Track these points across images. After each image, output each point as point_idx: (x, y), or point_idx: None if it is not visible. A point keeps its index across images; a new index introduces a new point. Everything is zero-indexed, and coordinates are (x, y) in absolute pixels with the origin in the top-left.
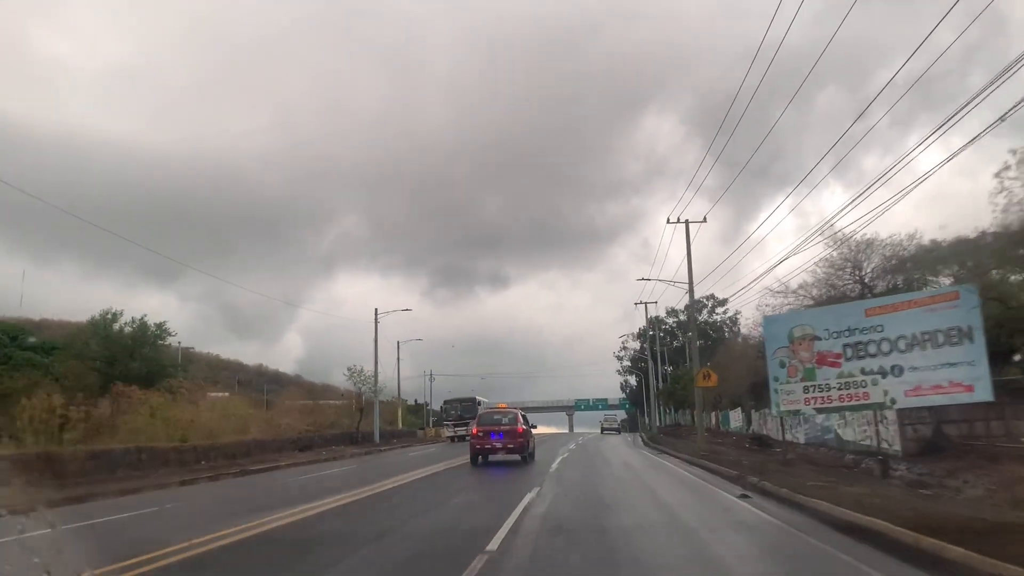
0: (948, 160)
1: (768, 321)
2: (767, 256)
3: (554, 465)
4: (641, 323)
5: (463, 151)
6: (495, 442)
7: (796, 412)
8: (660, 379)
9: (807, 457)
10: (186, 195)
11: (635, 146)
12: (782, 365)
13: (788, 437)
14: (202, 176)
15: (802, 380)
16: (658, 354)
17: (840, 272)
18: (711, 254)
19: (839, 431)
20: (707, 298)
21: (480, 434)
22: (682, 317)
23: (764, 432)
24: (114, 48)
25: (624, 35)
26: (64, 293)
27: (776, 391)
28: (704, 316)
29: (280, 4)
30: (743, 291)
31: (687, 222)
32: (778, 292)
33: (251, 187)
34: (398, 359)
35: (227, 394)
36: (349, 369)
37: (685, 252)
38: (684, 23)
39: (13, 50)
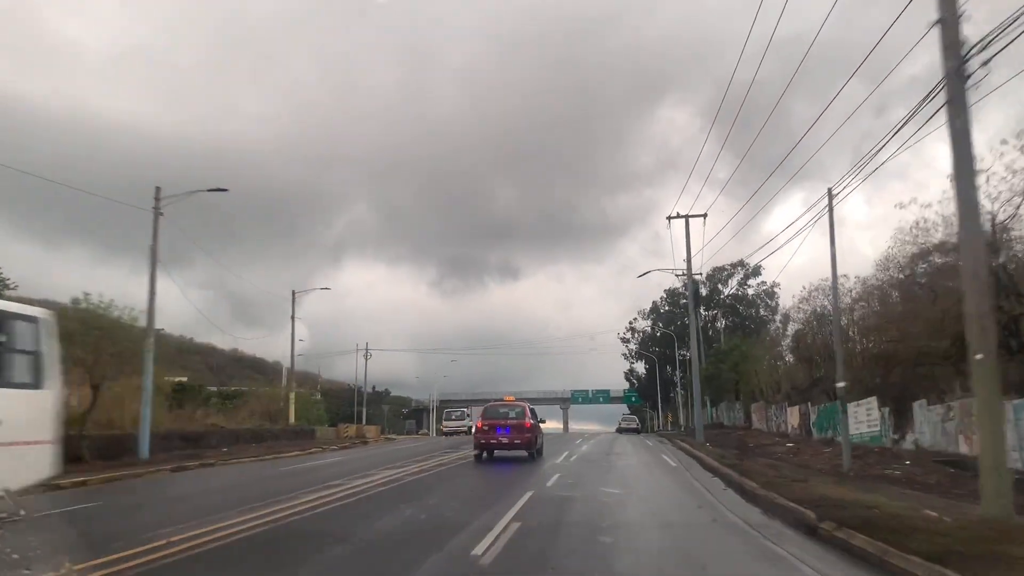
0: None
1: None
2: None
3: None
4: (647, 305)
5: (475, 141)
6: (501, 437)
7: None
8: (677, 365)
9: None
10: (195, 178)
11: (650, 138)
12: None
13: None
14: (212, 159)
15: None
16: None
17: None
18: (714, 251)
19: None
20: (733, 265)
21: (485, 428)
22: (703, 293)
23: (957, 448)
24: (127, 31)
25: (642, 26)
26: (72, 277)
27: None
28: (732, 288)
29: None
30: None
31: None
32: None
33: (261, 172)
34: (293, 317)
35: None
36: (74, 300)
37: None
38: (703, 15)
39: (27, 31)
